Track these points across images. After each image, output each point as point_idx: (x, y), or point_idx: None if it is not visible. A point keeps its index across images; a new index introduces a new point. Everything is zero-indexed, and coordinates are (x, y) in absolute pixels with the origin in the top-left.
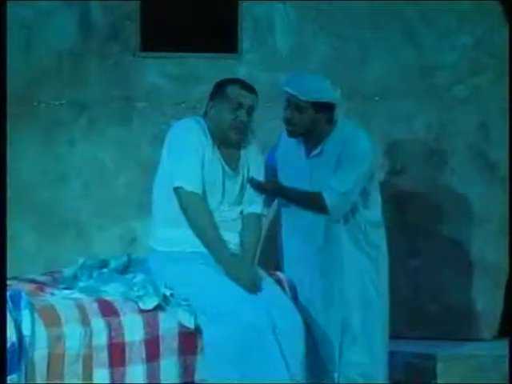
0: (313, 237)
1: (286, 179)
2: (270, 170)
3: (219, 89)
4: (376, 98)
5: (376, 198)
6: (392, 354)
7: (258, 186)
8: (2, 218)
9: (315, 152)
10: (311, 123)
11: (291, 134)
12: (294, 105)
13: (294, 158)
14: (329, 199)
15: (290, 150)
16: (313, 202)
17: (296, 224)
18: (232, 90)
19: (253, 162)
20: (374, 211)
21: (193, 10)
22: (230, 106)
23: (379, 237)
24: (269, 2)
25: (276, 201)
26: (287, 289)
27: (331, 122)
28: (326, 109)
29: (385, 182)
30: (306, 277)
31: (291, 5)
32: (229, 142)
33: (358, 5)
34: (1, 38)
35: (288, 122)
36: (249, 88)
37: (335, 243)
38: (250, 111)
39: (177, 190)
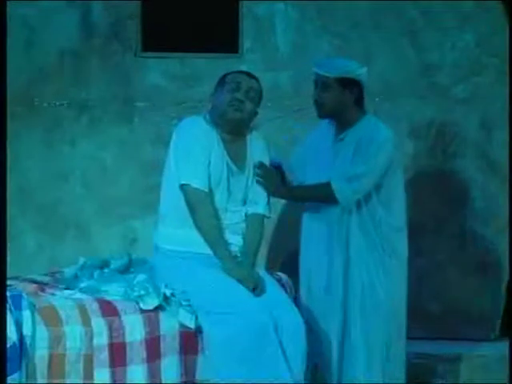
0: (330, 240)
1: (313, 164)
2: (294, 164)
3: (220, 80)
4: (377, 99)
5: (395, 197)
6: None
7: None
8: (2, 218)
9: (340, 137)
10: (338, 102)
11: (320, 114)
12: (320, 84)
13: (323, 142)
14: (335, 185)
15: (321, 134)
16: (321, 193)
17: (315, 227)
18: (231, 76)
19: (258, 160)
20: (393, 211)
21: (194, 10)
22: (228, 87)
23: (397, 239)
24: (270, 1)
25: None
26: (288, 289)
27: (360, 106)
28: (352, 86)
29: None
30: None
31: (292, 4)
32: (228, 123)
33: (360, 4)
34: (1, 38)
35: (316, 102)
36: (249, 74)
37: (345, 240)
38: (251, 94)
39: (183, 187)
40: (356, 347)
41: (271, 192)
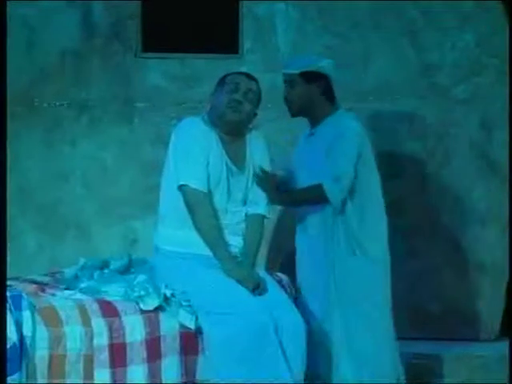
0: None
1: (296, 164)
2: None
3: (220, 80)
4: (374, 97)
5: (371, 202)
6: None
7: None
8: (2, 218)
9: (312, 131)
10: (306, 98)
11: (291, 113)
12: (287, 83)
13: (300, 140)
14: (326, 185)
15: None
16: (314, 195)
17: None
18: (230, 77)
19: (259, 161)
20: (368, 214)
21: (194, 11)
22: (227, 88)
23: (373, 241)
24: (270, 1)
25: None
26: (288, 289)
27: (331, 101)
28: (316, 79)
29: (386, 181)
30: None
31: (293, 5)
32: (227, 124)
33: (360, 4)
34: (1, 38)
35: (286, 101)
36: (248, 75)
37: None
38: (249, 95)
39: (182, 187)
40: (341, 347)
41: (270, 199)
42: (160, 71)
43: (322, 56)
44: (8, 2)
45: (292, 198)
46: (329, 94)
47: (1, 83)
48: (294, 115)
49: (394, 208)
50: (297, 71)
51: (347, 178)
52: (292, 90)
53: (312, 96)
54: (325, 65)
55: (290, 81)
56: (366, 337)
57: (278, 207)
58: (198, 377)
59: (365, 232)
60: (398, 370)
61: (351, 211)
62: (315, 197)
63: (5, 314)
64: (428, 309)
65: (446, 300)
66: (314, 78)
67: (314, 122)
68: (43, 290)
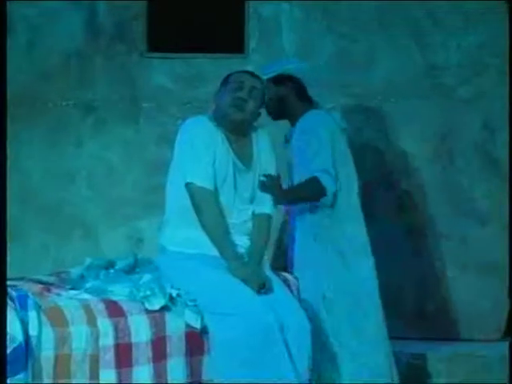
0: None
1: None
2: None
3: (224, 79)
4: (382, 98)
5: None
6: (395, 355)
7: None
8: (2, 219)
9: (290, 133)
10: (278, 100)
11: (271, 116)
12: None
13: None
14: (323, 180)
15: None
16: (313, 189)
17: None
18: (234, 75)
19: (265, 159)
20: (346, 214)
21: (199, 11)
22: (231, 87)
23: (354, 239)
24: (275, 2)
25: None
26: (294, 289)
27: (304, 99)
28: (284, 81)
29: (391, 181)
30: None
31: (298, 5)
32: (231, 122)
33: (365, 5)
34: (1, 38)
35: (265, 107)
36: (252, 73)
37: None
38: (254, 93)
39: (188, 185)
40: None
41: (275, 202)
42: (165, 71)
43: (293, 59)
44: (10, 2)
45: (293, 195)
46: (301, 95)
47: (1, 84)
48: (274, 118)
49: (398, 207)
50: (267, 76)
51: (332, 170)
52: (266, 95)
53: (284, 97)
54: (291, 67)
55: (262, 87)
56: (360, 338)
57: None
58: (204, 377)
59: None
60: (392, 370)
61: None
62: (314, 189)
63: (5, 313)
64: (431, 309)
65: (451, 299)
66: (282, 80)
67: (293, 122)
68: (49, 290)
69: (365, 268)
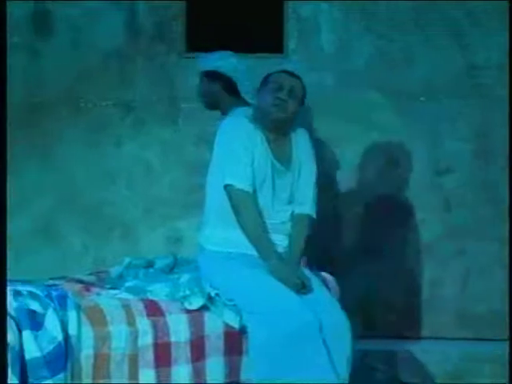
0: None
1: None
2: None
3: (263, 80)
4: (422, 98)
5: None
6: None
7: None
8: (2, 218)
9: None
10: (209, 94)
11: (204, 105)
12: (199, 77)
13: None
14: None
15: None
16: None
17: None
18: (274, 75)
19: (304, 160)
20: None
21: (238, 11)
22: (271, 87)
23: None
24: (315, 2)
25: None
26: (332, 289)
27: (234, 95)
28: (215, 78)
29: (431, 182)
30: None
31: (337, 5)
32: (272, 122)
33: (404, 5)
34: (1, 38)
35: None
36: (291, 73)
37: None
38: (293, 93)
39: (227, 187)
40: None
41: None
42: None
43: (228, 54)
44: (53, 3)
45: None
46: (231, 91)
47: (1, 84)
48: (207, 108)
49: (439, 208)
50: (202, 69)
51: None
52: (201, 87)
53: (215, 93)
54: (220, 65)
55: (200, 77)
56: None
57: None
58: (243, 376)
59: None
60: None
61: None
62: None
63: (5, 314)
64: (473, 309)
65: (493, 301)
66: (213, 76)
67: (225, 114)
68: (88, 290)
69: None
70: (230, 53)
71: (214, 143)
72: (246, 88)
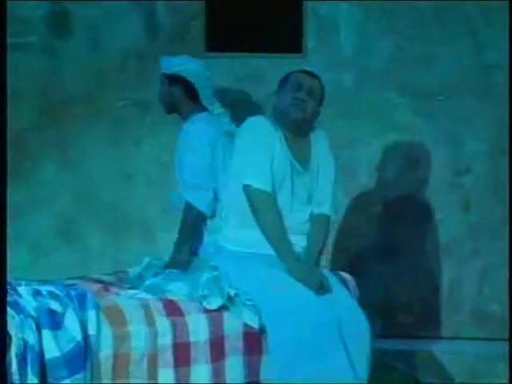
0: None
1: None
2: None
3: (283, 79)
4: (441, 98)
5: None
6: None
7: None
8: (2, 218)
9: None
10: (170, 97)
11: (163, 109)
12: (160, 80)
13: None
14: (192, 199)
15: None
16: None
17: None
18: (293, 75)
19: (323, 160)
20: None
21: (258, 11)
22: (290, 87)
23: None
24: (334, 1)
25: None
26: (351, 288)
27: (194, 100)
28: (177, 82)
29: (450, 181)
30: None
31: (356, 4)
32: (291, 122)
33: (423, 4)
34: (1, 38)
35: (159, 97)
36: (310, 73)
37: None
38: (312, 93)
39: (246, 187)
40: None
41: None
42: (223, 71)
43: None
44: (71, 2)
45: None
46: (192, 95)
47: (1, 84)
48: (166, 112)
49: (458, 207)
50: (165, 72)
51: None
52: (161, 89)
53: (175, 96)
54: (183, 69)
55: (161, 79)
56: None
57: (344, 207)
58: (262, 376)
59: None
60: None
61: None
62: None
63: (5, 314)
64: (492, 309)
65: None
66: (175, 80)
67: (184, 119)
68: (107, 290)
69: None
70: (193, 58)
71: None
72: (206, 93)
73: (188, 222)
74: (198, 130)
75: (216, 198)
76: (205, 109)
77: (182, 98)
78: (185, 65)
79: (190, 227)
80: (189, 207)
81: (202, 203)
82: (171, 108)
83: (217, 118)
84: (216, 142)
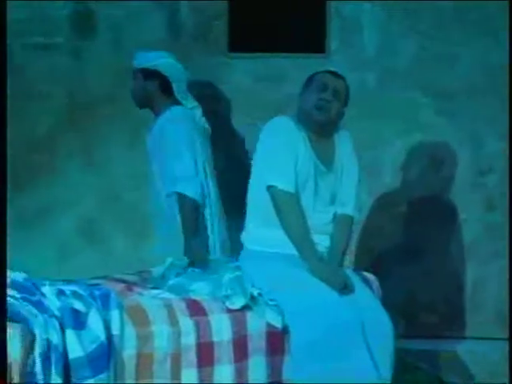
0: None
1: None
2: None
3: (308, 80)
4: (464, 97)
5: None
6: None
7: None
8: (2, 217)
9: (151, 127)
10: (143, 92)
11: (135, 104)
12: (133, 75)
13: None
14: (184, 190)
15: None
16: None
17: None
18: (318, 75)
19: (347, 161)
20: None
21: (281, 10)
22: (315, 88)
23: None
24: (357, 1)
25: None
26: (374, 288)
27: (168, 94)
28: (152, 76)
29: (473, 181)
30: None
31: (379, 5)
32: (316, 123)
33: (445, 4)
34: (1, 38)
35: (131, 93)
36: (336, 74)
37: None
38: (337, 94)
39: (270, 188)
40: None
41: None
42: (246, 71)
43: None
44: (96, 3)
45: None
46: (166, 90)
47: (1, 85)
48: (138, 107)
49: (481, 207)
50: (138, 66)
51: (193, 170)
52: (134, 83)
53: (149, 91)
54: (160, 63)
55: (134, 73)
56: None
57: (368, 207)
58: (285, 376)
59: None
60: None
61: None
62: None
63: (5, 314)
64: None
65: None
66: (150, 74)
67: (157, 114)
68: (131, 289)
69: None
70: (167, 53)
71: (256, 143)
72: (180, 88)
73: (187, 216)
74: (179, 124)
75: (203, 189)
76: (178, 103)
77: (156, 92)
78: (160, 59)
79: (191, 219)
80: (182, 201)
81: (194, 192)
82: (144, 103)
83: (191, 111)
84: (194, 136)
